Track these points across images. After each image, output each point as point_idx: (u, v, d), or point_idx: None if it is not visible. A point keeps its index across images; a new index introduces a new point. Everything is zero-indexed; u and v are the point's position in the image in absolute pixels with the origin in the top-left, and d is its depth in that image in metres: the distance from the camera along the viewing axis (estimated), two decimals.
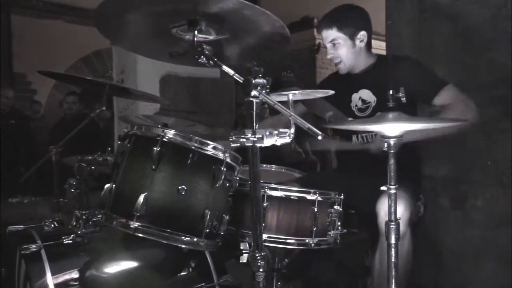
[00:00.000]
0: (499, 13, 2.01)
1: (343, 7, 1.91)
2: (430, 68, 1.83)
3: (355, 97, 1.92)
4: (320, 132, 1.01)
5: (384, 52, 2.60)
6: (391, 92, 1.27)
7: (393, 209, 1.25)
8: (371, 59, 1.91)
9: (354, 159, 1.90)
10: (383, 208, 1.55)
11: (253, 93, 1.06)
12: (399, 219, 1.26)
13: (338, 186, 1.62)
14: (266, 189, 1.47)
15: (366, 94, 1.89)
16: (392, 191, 1.24)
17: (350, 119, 1.89)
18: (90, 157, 1.67)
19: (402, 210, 1.51)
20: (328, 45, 1.88)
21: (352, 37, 1.83)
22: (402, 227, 1.43)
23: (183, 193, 1.29)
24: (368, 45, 1.90)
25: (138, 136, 1.38)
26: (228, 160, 1.35)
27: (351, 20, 1.85)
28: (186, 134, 1.33)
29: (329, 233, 1.54)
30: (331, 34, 1.84)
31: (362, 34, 1.84)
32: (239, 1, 1.04)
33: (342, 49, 1.85)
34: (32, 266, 1.33)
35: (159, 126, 1.70)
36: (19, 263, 1.41)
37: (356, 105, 1.92)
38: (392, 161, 1.23)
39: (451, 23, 2.18)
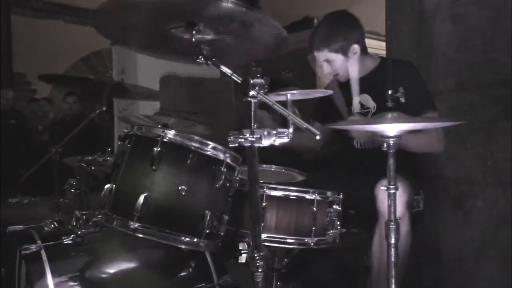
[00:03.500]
0: (499, 13, 2.00)
1: (330, 23, 1.85)
2: (424, 84, 1.82)
3: (355, 100, 1.91)
4: (318, 132, 1.01)
5: (384, 52, 2.60)
6: (390, 92, 1.27)
7: (393, 209, 1.25)
8: (372, 63, 1.88)
9: (354, 159, 1.90)
10: (381, 190, 1.55)
11: (251, 93, 1.06)
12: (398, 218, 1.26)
13: (337, 186, 1.62)
14: (265, 189, 1.47)
15: (366, 99, 1.88)
16: (392, 191, 1.24)
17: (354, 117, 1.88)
18: (90, 158, 1.68)
19: (400, 192, 1.48)
20: (323, 64, 1.85)
21: (345, 52, 1.80)
22: (400, 209, 1.44)
23: (183, 193, 1.29)
24: (364, 51, 1.87)
25: (138, 136, 1.38)
26: (228, 160, 1.35)
27: (341, 36, 1.80)
28: (186, 134, 1.34)
29: (328, 232, 1.54)
30: (323, 55, 1.82)
31: (354, 47, 1.81)
32: (237, 7, 1.04)
33: (336, 65, 1.82)
34: (32, 266, 1.33)
35: (159, 126, 1.70)
36: (19, 264, 1.41)
37: (355, 109, 1.91)
38: (392, 161, 1.23)
39: (451, 23, 2.18)
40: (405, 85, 1.69)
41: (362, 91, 1.88)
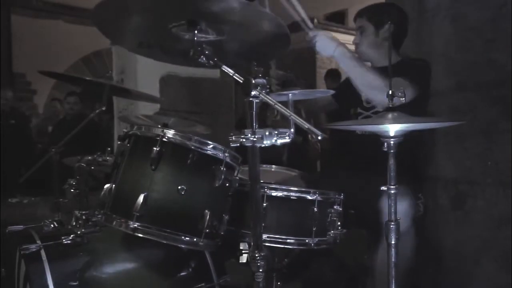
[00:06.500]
0: (499, 13, 2.00)
1: (380, 4, 2.02)
2: (423, 67, 1.86)
3: (364, 95, 1.92)
4: (320, 133, 1.01)
5: None
6: (390, 92, 1.27)
7: (393, 209, 1.25)
8: (393, 59, 1.90)
9: (355, 158, 1.90)
10: (386, 205, 1.55)
11: (253, 93, 1.06)
12: (399, 219, 1.26)
13: (338, 185, 1.62)
14: (266, 189, 1.47)
15: None
16: (392, 191, 1.24)
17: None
18: (90, 157, 1.67)
19: (406, 207, 1.52)
20: (357, 32, 1.94)
21: (378, 28, 1.87)
22: (408, 223, 1.45)
23: (183, 193, 1.28)
24: (396, 44, 1.91)
25: (137, 136, 1.38)
26: (228, 160, 1.35)
27: (381, 13, 1.91)
28: (186, 134, 1.33)
29: (329, 233, 1.54)
30: (360, 22, 1.92)
31: (387, 27, 1.86)
32: (240, 1, 1.04)
33: (365, 38, 1.90)
34: (32, 266, 1.33)
35: (159, 126, 1.70)
36: (19, 263, 1.41)
37: (364, 103, 1.92)
38: (392, 161, 1.23)
39: (451, 23, 2.18)
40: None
41: None
